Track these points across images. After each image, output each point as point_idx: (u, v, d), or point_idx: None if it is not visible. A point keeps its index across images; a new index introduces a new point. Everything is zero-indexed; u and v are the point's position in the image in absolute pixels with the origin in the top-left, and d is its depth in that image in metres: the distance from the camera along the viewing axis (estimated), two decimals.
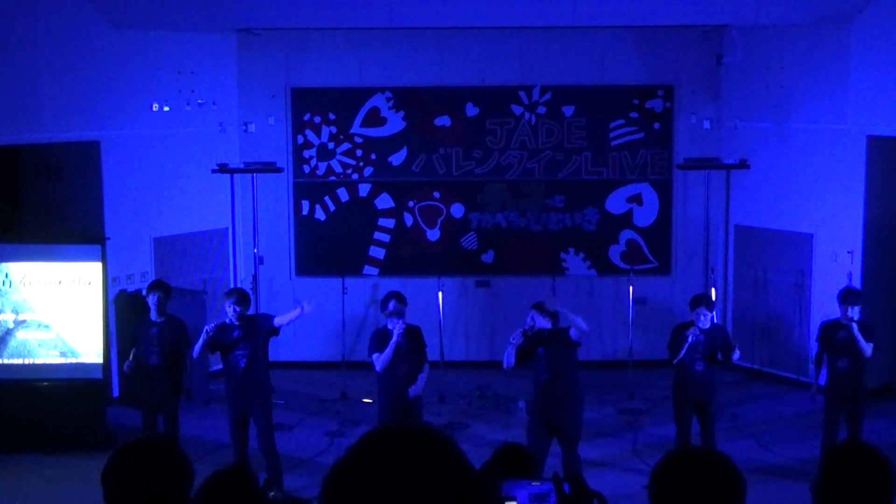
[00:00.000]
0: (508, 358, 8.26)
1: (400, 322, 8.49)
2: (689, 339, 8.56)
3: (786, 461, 9.39)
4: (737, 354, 8.79)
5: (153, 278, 11.23)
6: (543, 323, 8.28)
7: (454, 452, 1.68)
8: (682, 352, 8.60)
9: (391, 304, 8.74)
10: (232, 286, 12.31)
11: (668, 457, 2.64)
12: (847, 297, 8.79)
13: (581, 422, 8.41)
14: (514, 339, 8.20)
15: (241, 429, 8.58)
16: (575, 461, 8.25)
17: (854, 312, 8.66)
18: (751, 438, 10.11)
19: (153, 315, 8.97)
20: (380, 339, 8.57)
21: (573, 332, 8.14)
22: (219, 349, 8.60)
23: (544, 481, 3.86)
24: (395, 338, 8.41)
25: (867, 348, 8.69)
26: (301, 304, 8.67)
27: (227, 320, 8.53)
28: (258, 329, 8.60)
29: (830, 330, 8.95)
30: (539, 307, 8.38)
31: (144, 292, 9.26)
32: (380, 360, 8.48)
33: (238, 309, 8.47)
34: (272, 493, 7.16)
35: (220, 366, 9.05)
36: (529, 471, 4.92)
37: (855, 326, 8.65)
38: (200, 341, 8.45)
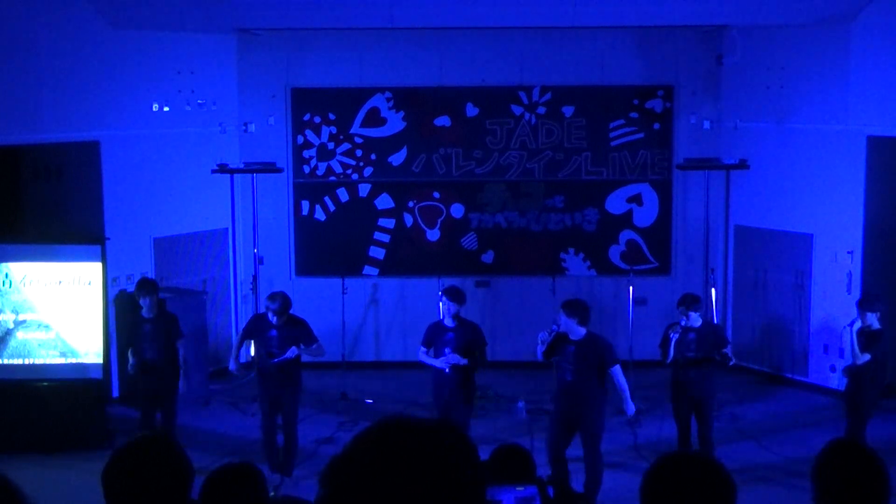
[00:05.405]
0: (540, 353, 8.45)
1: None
2: (672, 338, 8.76)
3: (786, 461, 9.38)
4: (731, 359, 8.88)
5: (152, 278, 11.25)
6: (575, 329, 8.25)
7: (459, 446, 1.67)
8: (671, 350, 8.78)
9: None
10: (232, 286, 12.35)
11: (659, 461, 2.62)
12: (864, 302, 8.84)
13: (603, 419, 8.43)
14: (542, 338, 8.36)
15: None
16: (596, 461, 8.29)
17: (872, 319, 8.62)
18: (751, 439, 10.11)
19: (145, 312, 9.19)
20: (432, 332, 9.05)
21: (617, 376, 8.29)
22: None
23: (528, 486, 3.86)
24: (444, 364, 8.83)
25: (858, 356, 8.62)
26: None
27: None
28: None
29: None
30: (569, 307, 8.33)
31: (136, 295, 9.35)
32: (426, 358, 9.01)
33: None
34: (271, 493, 7.18)
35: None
36: (527, 472, 4.89)
37: (852, 331, 8.62)
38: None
